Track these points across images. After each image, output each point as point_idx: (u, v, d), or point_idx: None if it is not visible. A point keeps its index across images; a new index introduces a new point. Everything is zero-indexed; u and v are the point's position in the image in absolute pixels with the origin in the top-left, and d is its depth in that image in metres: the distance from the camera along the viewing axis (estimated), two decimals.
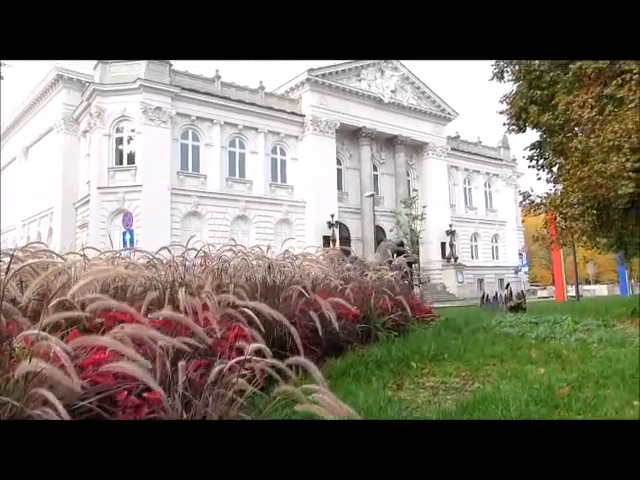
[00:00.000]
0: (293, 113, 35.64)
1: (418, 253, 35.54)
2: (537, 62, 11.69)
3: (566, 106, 10.75)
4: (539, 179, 13.27)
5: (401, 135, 40.37)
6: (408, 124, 40.84)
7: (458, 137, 47.25)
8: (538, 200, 12.14)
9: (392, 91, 39.68)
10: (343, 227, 36.94)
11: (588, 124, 10.33)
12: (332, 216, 34.44)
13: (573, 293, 29.42)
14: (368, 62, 38.47)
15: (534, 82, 12.00)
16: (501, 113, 13.53)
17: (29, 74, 41.68)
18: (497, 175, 49.68)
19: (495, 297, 16.81)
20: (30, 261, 2.95)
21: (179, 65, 31.92)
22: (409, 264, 13.15)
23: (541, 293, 48.16)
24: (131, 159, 30.15)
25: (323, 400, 2.28)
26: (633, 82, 9.51)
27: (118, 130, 30.42)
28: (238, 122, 33.35)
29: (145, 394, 2.72)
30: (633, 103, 9.40)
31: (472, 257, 46.01)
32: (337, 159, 37.54)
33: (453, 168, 45.76)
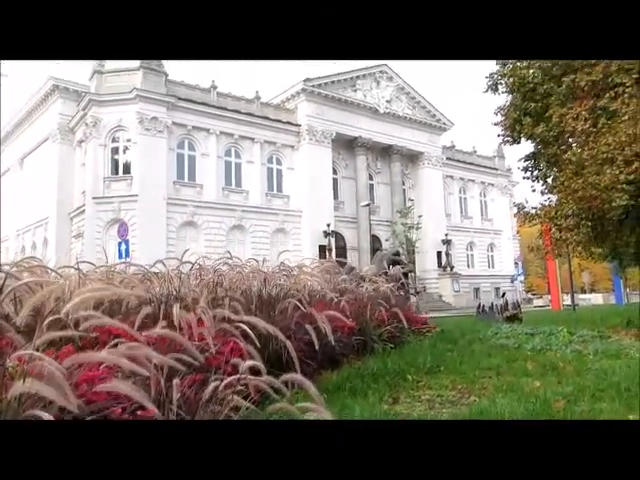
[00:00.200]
0: (289, 123, 35.72)
1: (414, 262, 35.57)
2: (531, 75, 11.75)
3: (560, 118, 10.80)
4: (534, 191, 13.31)
5: (396, 145, 40.49)
6: (403, 134, 40.98)
7: (453, 147, 47.42)
8: (533, 211, 12.17)
9: (387, 101, 39.83)
10: (339, 236, 36.96)
11: (582, 136, 10.37)
12: (328, 225, 34.46)
13: (569, 302, 29.41)
14: (363, 72, 38.67)
15: (528, 94, 12.05)
16: (496, 124, 13.58)
17: (25, 84, 41.80)
18: (492, 184, 49.83)
19: (491, 307, 16.78)
20: (25, 280, 2.94)
21: (175, 75, 32.07)
22: (405, 274, 13.15)
23: (537, 302, 48.15)
24: (127, 169, 30.13)
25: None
26: (626, 95, 9.56)
27: (114, 140, 30.42)
28: (234, 132, 33.40)
29: (139, 412, 2.70)
30: (626, 116, 9.44)
31: (468, 266, 46.05)
32: (333, 168, 37.60)
33: (448, 177, 45.90)
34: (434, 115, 43.03)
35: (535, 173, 13.45)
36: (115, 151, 30.46)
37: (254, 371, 3.13)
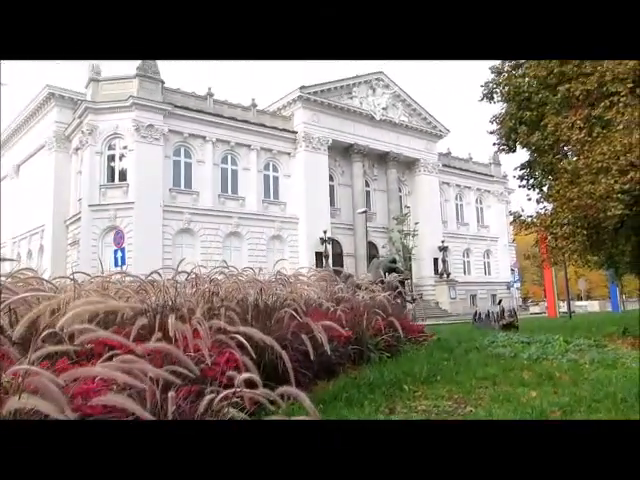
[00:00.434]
0: (285, 130, 35.78)
1: (411, 269, 35.60)
2: (526, 83, 11.80)
3: (555, 127, 10.83)
4: (529, 199, 13.34)
5: (393, 152, 40.59)
6: (400, 141, 41.09)
7: (449, 154, 47.54)
8: (529, 220, 12.19)
9: (384, 108, 39.93)
10: (336, 243, 36.96)
11: (577, 145, 10.40)
12: (325, 232, 34.47)
13: (565, 309, 29.46)
14: (359, 79, 38.81)
15: (523, 103, 12.09)
16: (491, 133, 13.62)
17: (22, 92, 41.77)
18: (488, 191, 49.94)
19: (487, 315, 16.80)
20: (22, 295, 2.94)
21: (171, 83, 32.07)
22: (401, 282, 13.16)
23: (533, 309, 48.21)
24: (123, 176, 30.10)
25: None
26: (621, 104, 9.58)
27: (110, 147, 30.39)
28: (230, 139, 33.44)
29: None
30: (621, 125, 9.46)
31: (464, 273, 46.07)
32: (329, 175, 37.63)
33: (445, 184, 46.00)
34: (430, 122, 43.16)
35: (531, 181, 13.49)
36: (111, 158, 30.41)
37: (250, 382, 3.13)
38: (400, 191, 42.62)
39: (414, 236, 37.72)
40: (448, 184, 46.57)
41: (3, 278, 3.92)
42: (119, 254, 18.71)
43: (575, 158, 11.08)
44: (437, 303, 39.27)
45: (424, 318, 27.56)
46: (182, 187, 31.81)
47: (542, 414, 4.40)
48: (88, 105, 29.60)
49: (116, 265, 18.09)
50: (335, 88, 37.44)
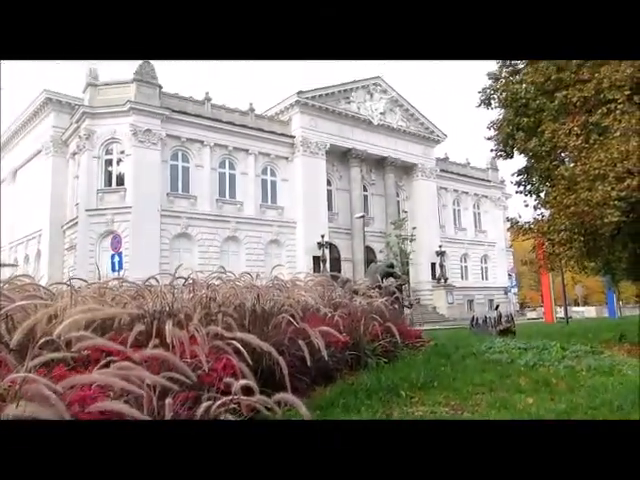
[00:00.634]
0: (283, 135, 35.79)
1: (408, 274, 35.58)
2: (523, 90, 11.83)
3: (552, 133, 10.85)
4: (526, 206, 13.38)
5: (391, 156, 40.64)
6: (397, 146, 41.13)
7: (447, 159, 47.61)
8: (526, 226, 12.21)
9: (381, 113, 39.99)
10: (333, 247, 36.95)
11: (574, 152, 10.42)
12: (322, 237, 34.47)
13: (562, 314, 29.49)
14: (357, 84, 38.87)
15: (520, 109, 12.12)
16: (489, 139, 13.65)
17: (19, 94, 41.73)
18: (486, 196, 50.00)
19: (485, 320, 16.77)
20: (19, 303, 2.94)
21: (169, 87, 32.09)
22: (399, 288, 13.16)
23: (530, 314, 48.24)
24: (120, 181, 30.06)
25: None
26: (618, 111, 9.60)
27: (107, 152, 30.34)
28: (228, 143, 33.43)
29: None
30: (618, 132, 9.47)
31: (462, 278, 46.09)
32: (327, 180, 37.64)
33: (442, 189, 46.05)
34: (428, 127, 43.24)
35: (528, 187, 13.51)
36: (109, 163, 30.37)
37: (247, 388, 3.13)
38: (398, 196, 42.68)
39: (412, 241, 37.74)
40: (446, 189, 46.63)
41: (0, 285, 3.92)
42: (116, 259, 18.68)
43: (572, 165, 11.10)
44: (434, 308, 39.27)
45: (421, 323, 27.58)
46: (180, 191, 31.77)
47: None
48: (85, 110, 29.57)
49: (113, 270, 18.06)
50: (333, 93, 37.47)
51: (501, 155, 13.62)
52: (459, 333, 16.85)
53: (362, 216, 35.05)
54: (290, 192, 35.71)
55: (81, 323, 2.68)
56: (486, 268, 48.99)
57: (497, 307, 22.49)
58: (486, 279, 48.51)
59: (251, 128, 34.35)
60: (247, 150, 34.23)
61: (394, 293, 11.73)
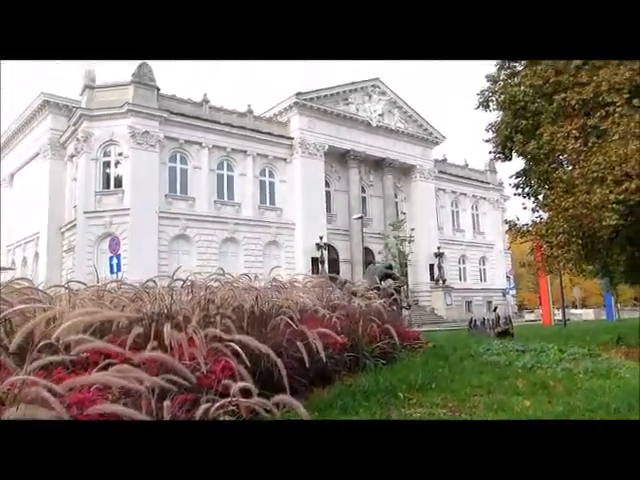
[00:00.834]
0: (281, 136, 35.78)
1: (407, 275, 35.59)
2: (521, 92, 11.83)
3: (550, 136, 10.84)
4: (525, 208, 13.39)
5: (389, 158, 40.67)
6: (396, 147, 41.16)
7: (445, 160, 47.63)
8: (524, 228, 12.22)
9: (380, 114, 40.00)
10: (332, 249, 36.96)
11: (572, 155, 10.42)
12: (321, 238, 34.46)
13: (560, 317, 29.52)
14: (356, 86, 38.89)
15: (519, 112, 12.12)
16: (487, 141, 13.65)
17: (17, 98, 41.65)
18: (484, 198, 50.01)
19: (483, 322, 16.81)
20: (18, 307, 2.94)
21: (167, 89, 32.04)
22: (397, 289, 13.17)
23: (528, 316, 48.26)
24: (118, 183, 30.04)
25: None
26: (616, 114, 9.59)
27: (105, 154, 30.33)
28: (226, 145, 33.42)
29: None
30: (616, 135, 9.46)
31: (460, 279, 46.10)
32: (326, 181, 37.67)
33: (441, 191, 46.07)
34: (426, 129, 43.27)
35: (526, 190, 13.50)
36: (107, 165, 30.36)
37: (245, 390, 3.13)
38: (396, 197, 42.70)
39: (410, 242, 37.75)
40: (444, 190, 46.65)
41: None
42: (114, 261, 18.65)
43: (570, 168, 11.12)
44: (433, 309, 39.29)
45: (420, 324, 27.58)
46: (178, 193, 31.76)
47: None
48: (83, 112, 29.54)
49: (111, 272, 18.04)
50: (331, 94, 37.50)
51: (499, 157, 13.62)
52: (457, 335, 16.89)
53: (360, 217, 35.06)
54: (289, 193, 35.71)
55: (80, 326, 2.69)
56: (484, 270, 49.00)
57: (495, 309, 22.50)
58: (484, 281, 48.52)
59: (249, 129, 34.36)
60: (245, 151, 34.23)
61: (392, 294, 11.75)
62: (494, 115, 13.52)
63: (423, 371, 7.20)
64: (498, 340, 12.43)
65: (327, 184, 38.08)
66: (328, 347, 6.06)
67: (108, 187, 30.16)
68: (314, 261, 34.18)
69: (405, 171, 42.95)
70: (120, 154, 30.08)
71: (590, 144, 10.14)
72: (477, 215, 50.00)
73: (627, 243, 11.25)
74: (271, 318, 6.27)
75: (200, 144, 32.37)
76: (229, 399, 2.94)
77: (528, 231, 12.03)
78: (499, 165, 48.30)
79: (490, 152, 13.88)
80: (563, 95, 10.66)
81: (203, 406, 3.01)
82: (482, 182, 49.84)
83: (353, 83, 38.87)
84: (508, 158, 13.39)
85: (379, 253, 39.45)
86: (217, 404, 2.91)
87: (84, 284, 5.84)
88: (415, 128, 42.66)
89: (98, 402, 2.73)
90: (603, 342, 12.29)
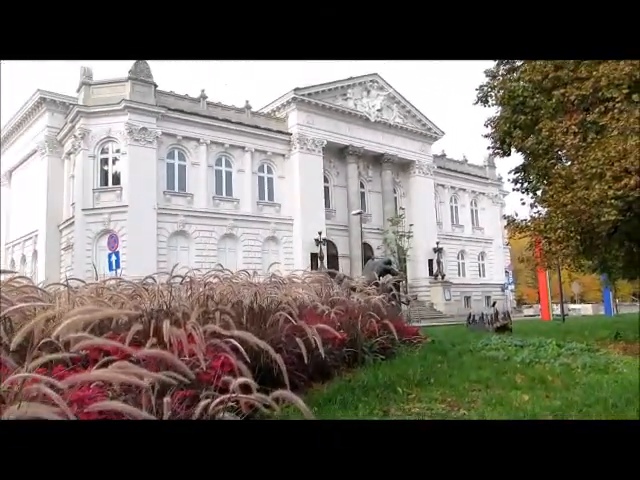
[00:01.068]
0: (280, 132, 35.75)
1: (405, 271, 35.65)
2: (521, 87, 11.82)
3: (549, 131, 10.83)
4: (523, 204, 13.38)
5: (388, 153, 40.65)
6: (395, 142, 41.16)
7: (444, 155, 47.66)
8: (523, 224, 12.22)
9: (378, 110, 39.96)
10: (331, 244, 36.98)
11: (571, 150, 10.40)
12: (320, 233, 34.48)
13: (559, 312, 29.58)
14: (354, 81, 38.85)
15: (518, 107, 12.09)
16: (486, 137, 13.63)
17: (17, 97, 41.56)
18: (483, 193, 50.07)
19: (481, 317, 16.85)
20: (18, 306, 2.95)
21: (164, 85, 32.02)
22: (396, 285, 13.18)
23: (527, 311, 48.34)
24: (116, 180, 30.01)
25: None
26: (616, 110, 9.57)
27: (103, 151, 30.29)
28: (224, 141, 33.40)
29: None
30: (615, 131, 9.43)
31: (459, 274, 46.17)
32: (324, 177, 37.65)
33: (440, 186, 46.08)
34: (425, 124, 43.25)
35: (525, 185, 13.49)
36: (104, 162, 30.31)
37: (245, 386, 3.15)
38: (395, 192, 42.69)
39: (409, 237, 37.82)
40: (443, 186, 46.68)
41: None
42: (113, 258, 18.65)
43: (569, 163, 11.11)
44: (432, 304, 39.35)
45: (419, 319, 27.65)
46: (176, 189, 31.76)
47: (534, 418, 4.43)
48: (80, 109, 29.51)
49: (110, 269, 18.05)
50: (329, 90, 37.44)
51: (498, 153, 13.60)
52: (456, 330, 16.92)
53: (359, 213, 35.10)
54: (287, 189, 35.71)
55: (79, 324, 2.69)
56: (483, 265, 49.09)
57: (494, 304, 22.57)
58: (483, 276, 48.60)
59: (247, 125, 34.33)
60: (243, 147, 34.22)
61: (391, 290, 11.76)
62: (493, 110, 13.53)
63: (422, 366, 7.23)
64: (497, 335, 12.47)
65: (326, 180, 38.08)
66: (327, 342, 6.08)
67: (106, 184, 30.12)
68: (313, 257, 34.20)
69: (404, 166, 42.95)
70: (118, 151, 30.05)
71: (589, 140, 10.12)
72: (476, 210, 50.06)
73: (626, 239, 11.26)
74: (270, 314, 6.28)
75: (198, 140, 32.34)
76: (229, 395, 2.94)
77: (527, 226, 12.02)
78: (498, 160, 48.33)
79: (489, 147, 13.87)
80: (562, 90, 10.63)
81: (203, 402, 3.02)
82: (481, 177, 49.91)
83: (351, 78, 38.82)
84: (507, 153, 13.37)
85: (378, 248, 39.50)
86: (217, 400, 2.92)
87: (83, 282, 5.85)
88: (414, 123, 42.64)
89: (98, 399, 2.74)
90: (601, 337, 12.33)
